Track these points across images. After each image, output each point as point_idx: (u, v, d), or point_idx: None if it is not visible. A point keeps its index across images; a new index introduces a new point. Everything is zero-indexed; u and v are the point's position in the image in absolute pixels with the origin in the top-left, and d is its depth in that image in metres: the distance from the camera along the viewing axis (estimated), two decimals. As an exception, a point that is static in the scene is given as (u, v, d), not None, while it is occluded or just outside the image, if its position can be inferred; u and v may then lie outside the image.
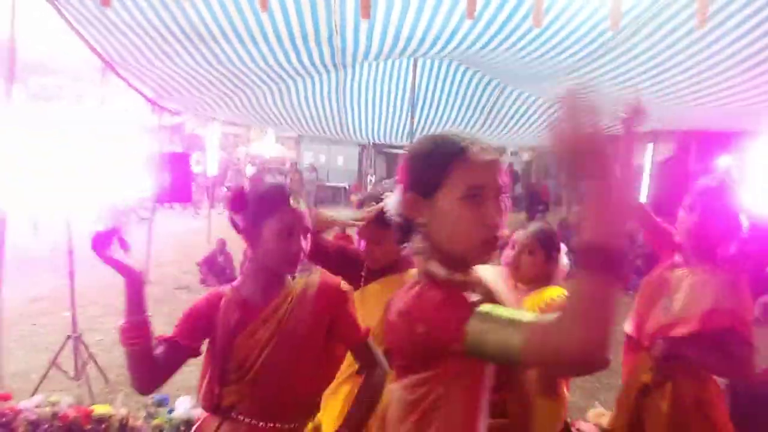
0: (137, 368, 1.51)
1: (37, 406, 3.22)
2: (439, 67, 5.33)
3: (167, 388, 4.03)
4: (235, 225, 1.64)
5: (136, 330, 1.45)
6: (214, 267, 7.74)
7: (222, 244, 7.94)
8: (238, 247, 8.41)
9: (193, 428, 1.69)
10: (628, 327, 2.24)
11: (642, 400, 2.11)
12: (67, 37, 4.02)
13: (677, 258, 2.19)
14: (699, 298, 1.99)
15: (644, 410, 2.11)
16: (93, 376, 4.04)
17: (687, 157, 10.40)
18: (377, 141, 7.91)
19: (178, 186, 7.11)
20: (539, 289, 2.08)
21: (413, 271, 1.81)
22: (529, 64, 4.00)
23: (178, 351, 1.57)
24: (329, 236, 2.46)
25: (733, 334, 1.91)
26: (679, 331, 2.01)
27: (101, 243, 1.42)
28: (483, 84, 5.53)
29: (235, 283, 1.67)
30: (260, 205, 1.58)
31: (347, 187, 20.38)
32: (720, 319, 1.93)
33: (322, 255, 2.05)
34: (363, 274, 2.13)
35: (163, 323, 6.46)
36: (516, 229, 2.22)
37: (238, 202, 1.61)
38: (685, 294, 2.05)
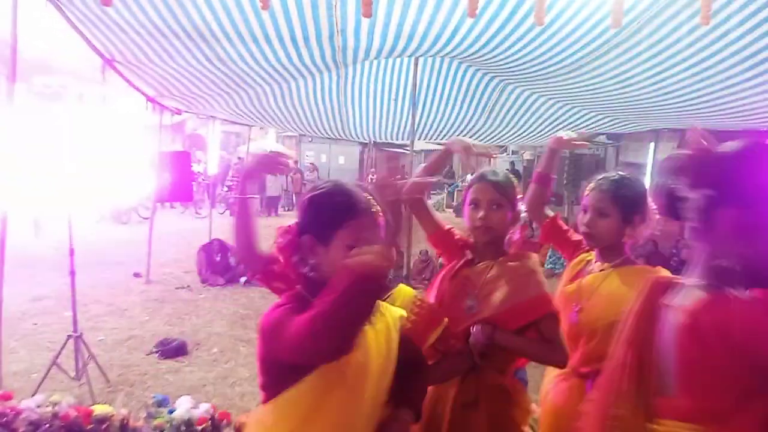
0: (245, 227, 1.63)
1: (38, 406, 3.21)
2: (440, 66, 5.32)
3: (168, 389, 4.04)
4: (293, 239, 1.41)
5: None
6: (215, 267, 7.74)
7: (218, 243, 7.94)
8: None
9: None
10: None
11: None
12: (68, 36, 4.02)
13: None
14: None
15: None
16: (94, 375, 4.03)
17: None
18: (378, 140, 7.90)
19: (179, 185, 7.11)
20: None
21: None
22: (530, 63, 3.99)
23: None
24: None
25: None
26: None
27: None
28: (484, 83, 5.53)
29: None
30: (335, 212, 1.36)
31: (348, 186, 20.36)
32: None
33: None
34: None
35: (165, 323, 6.45)
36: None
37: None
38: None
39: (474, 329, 1.81)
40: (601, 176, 2.05)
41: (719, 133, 1.21)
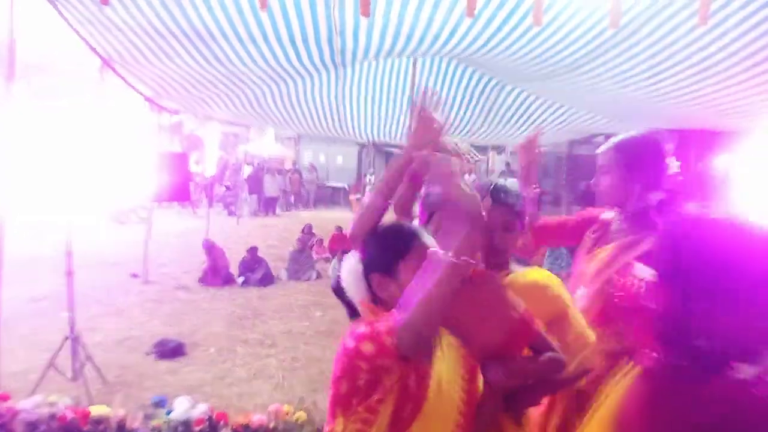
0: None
1: (35, 407, 3.21)
2: (439, 66, 5.32)
3: (165, 389, 4.03)
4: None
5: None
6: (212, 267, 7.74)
7: (210, 245, 7.93)
8: (232, 245, 8.38)
9: None
10: None
11: None
12: (66, 36, 4.01)
13: None
14: None
15: None
16: (91, 376, 4.03)
17: (687, 156, 10.40)
18: (377, 140, 7.91)
19: (177, 185, 7.10)
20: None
21: None
22: (528, 63, 3.99)
23: None
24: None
25: None
26: None
27: None
28: (482, 82, 5.53)
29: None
30: (395, 245, 1.47)
31: (347, 187, 20.39)
32: None
33: None
34: None
35: (163, 323, 6.43)
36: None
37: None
38: None
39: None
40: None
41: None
